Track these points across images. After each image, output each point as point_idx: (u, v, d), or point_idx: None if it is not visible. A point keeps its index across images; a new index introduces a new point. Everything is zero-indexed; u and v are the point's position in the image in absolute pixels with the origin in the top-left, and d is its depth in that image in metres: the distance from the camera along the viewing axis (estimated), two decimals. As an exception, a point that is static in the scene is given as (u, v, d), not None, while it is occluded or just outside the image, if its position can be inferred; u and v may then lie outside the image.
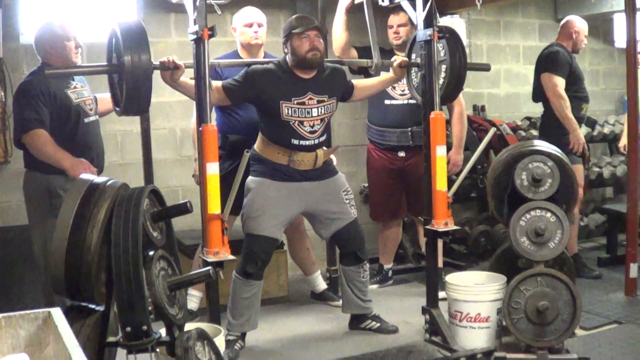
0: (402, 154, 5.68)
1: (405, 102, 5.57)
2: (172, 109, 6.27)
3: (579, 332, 4.74)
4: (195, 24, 3.95)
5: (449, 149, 5.52)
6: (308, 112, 4.64)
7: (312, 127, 4.67)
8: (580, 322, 4.57)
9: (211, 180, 3.89)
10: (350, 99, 5.04)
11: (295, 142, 4.66)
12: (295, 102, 4.60)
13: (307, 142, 4.68)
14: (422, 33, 4.65)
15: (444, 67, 4.76)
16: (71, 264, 2.89)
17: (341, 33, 5.57)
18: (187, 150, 6.28)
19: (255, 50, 5.23)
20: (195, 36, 3.95)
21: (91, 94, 4.89)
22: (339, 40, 5.61)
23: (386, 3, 5.06)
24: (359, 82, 5.04)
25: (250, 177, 4.73)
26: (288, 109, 4.59)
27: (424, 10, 4.63)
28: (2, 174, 5.46)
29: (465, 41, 7.11)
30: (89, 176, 3.17)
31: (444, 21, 6.50)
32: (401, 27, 5.62)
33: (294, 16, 4.76)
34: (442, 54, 4.73)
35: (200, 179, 3.97)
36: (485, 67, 5.59)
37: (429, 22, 4.62)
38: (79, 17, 5.87)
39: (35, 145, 4.53)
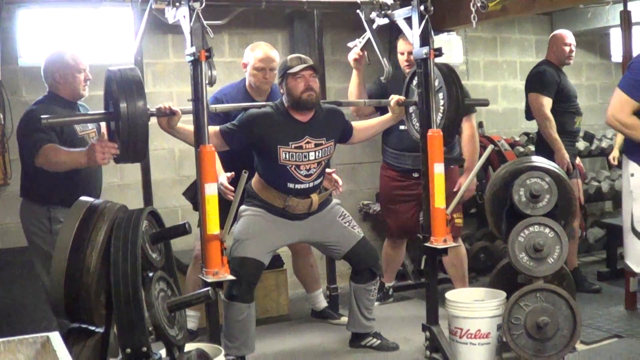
0: (416, 174, 5.64)
1: None
2: (171, 129, 6.28)
3: (579, 346, 4.74)
4: (192, 45, 3.96)
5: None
6: (305, 156, 4.65)
7: (308, 170, 4.68)
8: (581, 336, 4.58)
9: (210, 200, 3.89)
10: (350, 141, 5.03)
11: (291, 185, 4.68)
12: (293, 146, 4.61)
13: (303, 186, 4.70)
14: (418, 51, 4.66)
15: (442, 102, 4.74)
16: (70, 286, 2.90)
17: (357, 96, 5.54)
18: (185, 171, 6.30)
19: (264, 91, 5.24)
20: (192, 57, 3.96)
21: (94, 126, 4.88)
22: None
23: (384, 22, 5.08)
24: (358, 124, 5.04)
25: (244, 206, 4.77)
26: (285, 154, 4.60)
27: (419, 27, 4.64)
28: (2, 196, 5.44)
29: (462, 58, 7.16)
30: (88, 199, 3.18)
31: (441, 39, 6.53)
32: (412, 54, 5.61)
33: (289, 56, 4.75)
34: (440, 96, 4.74)
35: (199, 199, 3.97)
36: (484, 103, 5.52)
37: (425, 40, 4.64)
38: (78, 39, 5.91)
39: (50, 159, 4.43)
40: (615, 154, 6.84)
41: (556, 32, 6.34)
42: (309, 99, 4.58)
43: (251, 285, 4.62)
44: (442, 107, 4.72)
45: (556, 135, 5.94)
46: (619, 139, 5.86)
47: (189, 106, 4.13)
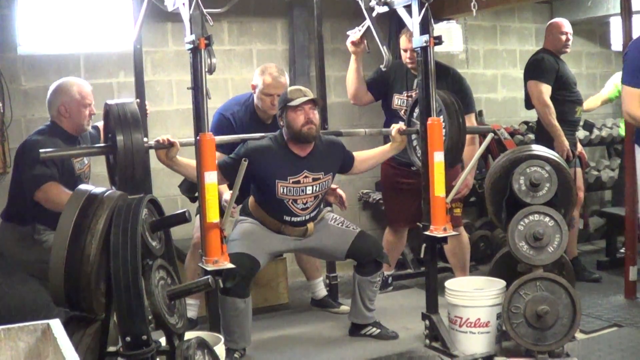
0: (414, 168, 5.62)
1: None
2: (170, 118, 6.28)
3: (579, 335, 4.75)
4: (191, 33, 3.94)
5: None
6: (302, 191, 4.67)
7: (304, 204, 4.71)
8: (580, 325, 4.58)
9: (210, 189, 3.89)
10: (351, 171, 5.04)
11: (287, 218, 4.73)
12: (291, 181, 4.63)
13: (299, 219, 4.75)
14: (418, 39, 4.65)
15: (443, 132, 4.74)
16: (70, 275, 2.90)
17: (354, 82, 5.59)
18: (184, 156, 6.28)
19: (270, 115, 5.20)
20: (191, 46, 3.94)
21: (88, 160, 4.87)
22: (354, 89, 5.66)
23: (383, 9, 5.06)
24: (359, 154, 5.02)
25: (240, 216, 4.85)
26: (283, 188, 4.62)
27: (419, 16, 4.62)
28: (1, 184, 5.45)
29: (462, 47, 7.14)
30: (87, 187, 3.17)
31: (440, 27, 6.52)
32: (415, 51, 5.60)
33: (289, 88, 4.74)
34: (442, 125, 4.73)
35: (199, 187, 3.97)
36: (486, 130, 5.49)
37: (424, 28, 4.62)
38: (76, 26, 5.90)
39: (51, 198, 4.41)
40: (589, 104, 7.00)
41: (553, 20, 6.34)
42: (309, 132, 4.58)
43: (246, 280, 4.61)
44: (444, 130, 4.72)
45: (555, 122, 5.93)
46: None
47: (188, 138, 4.19)
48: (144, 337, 2.82)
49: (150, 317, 2.86)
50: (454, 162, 4.94)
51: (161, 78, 6.24)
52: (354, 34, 5.23)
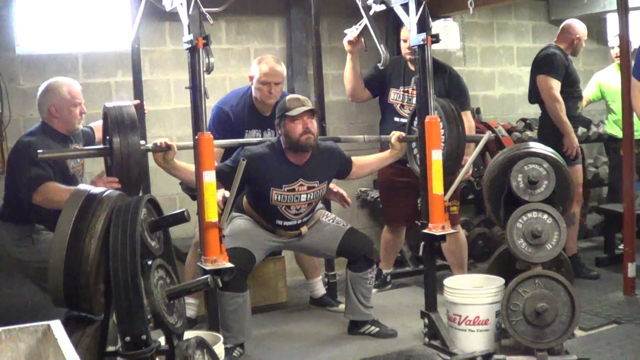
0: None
1: None
2: (169, 117, 6.28)
3: (578, 332, 4.75)
4: (189, 32, 3.95)
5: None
6: (296, 198, 4.70)
7: (297, 210, 4.75)
8: (579, 322, 4.58)
9: (208, 188, 3.89)
10: (349, 177, 5.08)
11: (279, 222, 4.78)
12: (286, 189, 4.66)
13: (291, 223, 4.80)
14: (416, 38, 4.65)
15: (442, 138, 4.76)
16: (70, 275, 2.90)
17: (352, 79, 5.60)
18: (183, 159, 6.27)
19: (269, 106, 5.22)
20: (189, 45, 3.94)
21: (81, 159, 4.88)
22: (351, 86, 5.68)
23: (381, 8, 5.06)
24: (357, 159, 5.06)
25: (234, 213, 4.84)
26: (277, 196, 4.66)
27: (416, 14, 4.62)
28: (1, 184, 5.45)
29: (459, 44, 7.14)
30: (86, 187, 3.18)
31: (438, 25, 6.51)
32: None
33: (287, 97, 4.74)
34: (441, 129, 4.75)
35: (197, 186, 3.97)
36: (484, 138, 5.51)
37: (422, 26, 4.62)
38: (74, 26, 5.90)
39: (50, 198, 4.38)
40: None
41: (575, 24, 6.34)
42: (307, 142, 4.61)
43: (243, 274, 4.65)
44: (442, 137, 4.75)
45: (566, 118, 5.95)
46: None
47: (187, 142, 4.20)
48: (143, 336, 2.82)
49: (149, 317, 2.86)
50: (453, 169, 4.93)
51: (159, 77, 6.23)
52: (352, 32, 5.24)
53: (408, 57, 5.55)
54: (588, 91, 7.20)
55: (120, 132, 3.94)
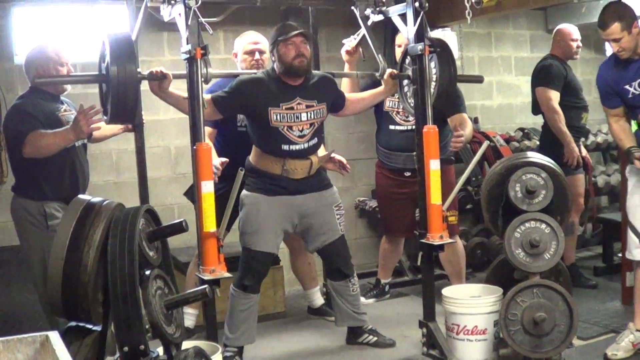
0: (408, 173, 5.61)
1: (410, 127, 5.43)
2: (166, 127, 6.28)
3: (576, 342, 4.75)
4: (187, 42, 3.96)
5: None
6: (297, 117, 4.64)
7: (300, 131, 4.67)
8: (578, 332, 4.58)
9: (206, 198, 3.89)
10: (342, 112, 5.01)
11: (286, 147, 4.66)
12: (284, 107, 4.61)
13: (298, 147, 4.68)
14: (414, 47, 4.66)
15: (434, 77, 4.77)
16: (68, 285, 2.90)
17: (350, 89, 5.49)
18: (181, 168, 6.30)
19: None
20: (188, 55, 3.96)
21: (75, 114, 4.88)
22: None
23: (378, 18, 5.08)
24: (350, 95, 5.05)
25: (244, 192, 4.73)
26: (276, 115, 4.60)
27: (414, 24, 4.64)
28: (0, 193, 5.46)
29: (457, 54, 7.16)
30: (85, 197, 3.18)
31: (435, 34, 6.52)
32: None
33: (279, 24, 4.76)
34: (432, 68, 4.76)
35: (196, 196, 3.97)
36: (478, 79, 5.58)
37: (420, 36, 4.64)
38: (73, 36, 5.90)
39: (37, 144, 4.42)
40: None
41: (562, 27, 6.31)
42: (300, 65, 4.59)
43: (263, 276, 4.79)
44: (434, 76, 4.77)
45: (565, 129, 5.94)
46: None
47: (181, 71, 4.21)
48: (142, 347, 2.82)
49: (147, 327, 2.86)
50: (441, 108, 4.96)
51: (157, 87, 6.23)
52: (350, 42, 5.25)
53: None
54: None
55: (118, 59, 3.93)
